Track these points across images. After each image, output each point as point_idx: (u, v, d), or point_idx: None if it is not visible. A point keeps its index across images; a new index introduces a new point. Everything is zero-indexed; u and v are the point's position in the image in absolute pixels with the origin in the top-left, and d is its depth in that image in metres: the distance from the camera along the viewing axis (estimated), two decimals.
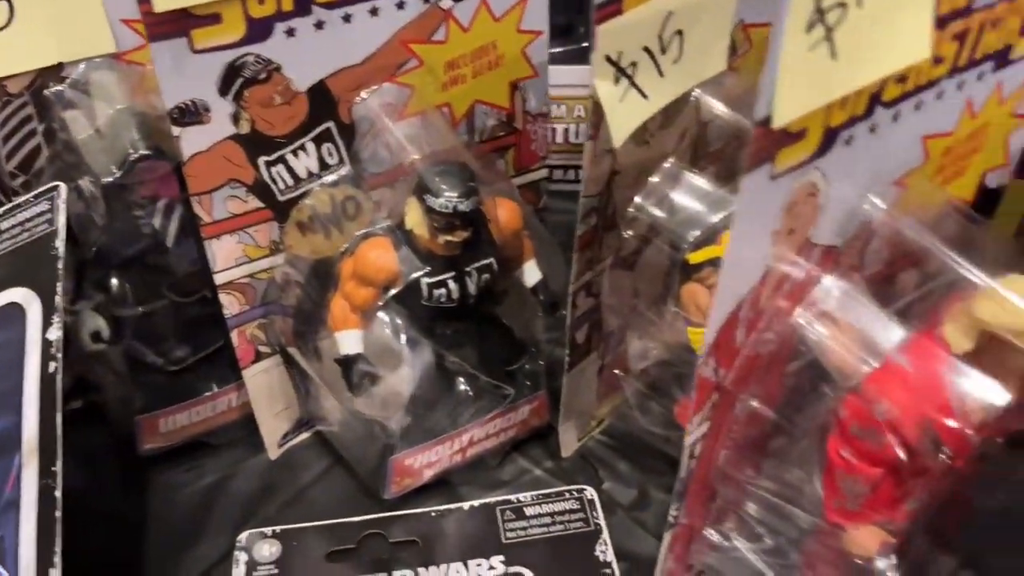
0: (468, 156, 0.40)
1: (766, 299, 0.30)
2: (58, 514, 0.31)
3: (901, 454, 0.30)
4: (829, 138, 0.26)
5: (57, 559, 0.30)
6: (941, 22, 0.27)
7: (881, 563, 0.33)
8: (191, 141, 0.35)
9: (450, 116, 0.41)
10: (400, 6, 0.36)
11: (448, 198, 0.35)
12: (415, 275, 0.37)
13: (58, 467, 0.32)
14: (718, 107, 0.38)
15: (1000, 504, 0.36)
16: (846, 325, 0.32)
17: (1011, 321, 0.27)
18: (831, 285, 0.32)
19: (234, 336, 0.42)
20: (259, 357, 0.43)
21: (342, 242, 0.40)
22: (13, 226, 0.39)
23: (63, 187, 0.38)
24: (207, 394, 0.46)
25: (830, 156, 0.27)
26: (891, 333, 0.31)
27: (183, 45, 0.32)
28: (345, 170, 0.40)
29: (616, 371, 0.46)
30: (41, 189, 0.39)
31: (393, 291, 0.37)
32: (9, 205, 0.39)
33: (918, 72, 0.27)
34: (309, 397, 0.45)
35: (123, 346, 0.42)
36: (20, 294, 0.37)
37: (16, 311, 0.36)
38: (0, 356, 0.36)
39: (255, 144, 0.37)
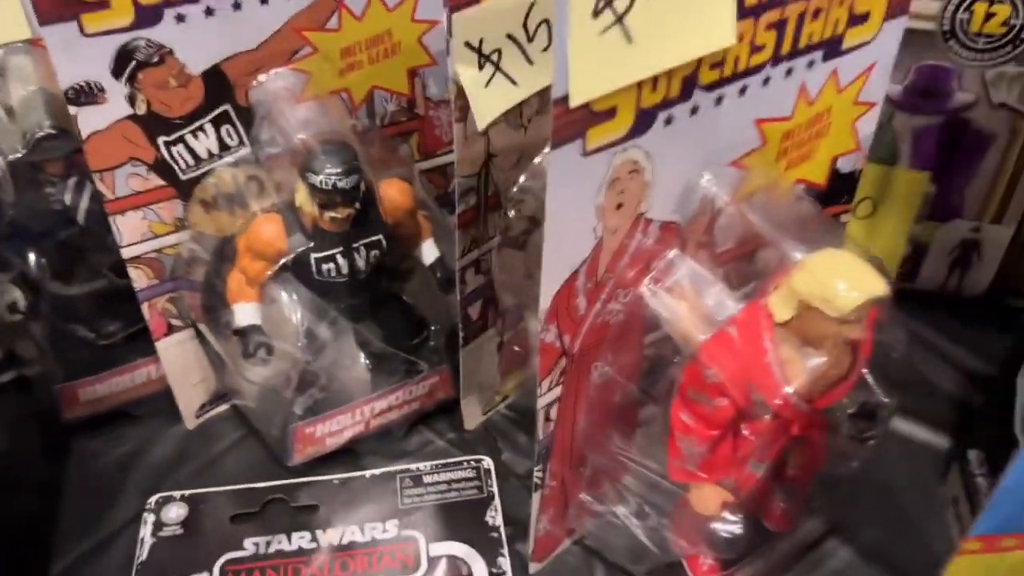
0: (361, 146, 0.42)
1: (605, 269, 0.32)
2: None
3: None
4: (644, 118, 0.28)
5: None
6: (753, 12, 0.29)
7: (723, 523, 0.35)
8: (88, 120, 0.37)
9: (349, 101, 0.43)
10: None
11: (328, 175, 0.37)
12: (300, 249, 0.39)
13: None
14: None
15: (854, 472, 0.38)
16: (690, 297, 0.34)
17: (820, 290, 0.30)
18: (675, 259, 0.34)
19: (145, 309, 0.44)
20: (171, 330, 0.45)
21: (244, 219, 0.42)
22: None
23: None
24: (126, 365, 0.48)
25: (649, 135, 0.29)
26: (726, 303, 0.33)
27: (74, 29, 0.35)
28: (245, 151, 0.42)
29: (515, 347, 0.48)
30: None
31: (283, 260, 0.39)
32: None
33: (736, 58, 0.29)
34: (222, 371, 0.47)
35: (44, 319, 0.45)
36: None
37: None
38: None
39: (153, 124, 0.39)
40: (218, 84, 0.39)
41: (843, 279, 0.29)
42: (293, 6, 0.39)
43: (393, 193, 0.41)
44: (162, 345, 0.45)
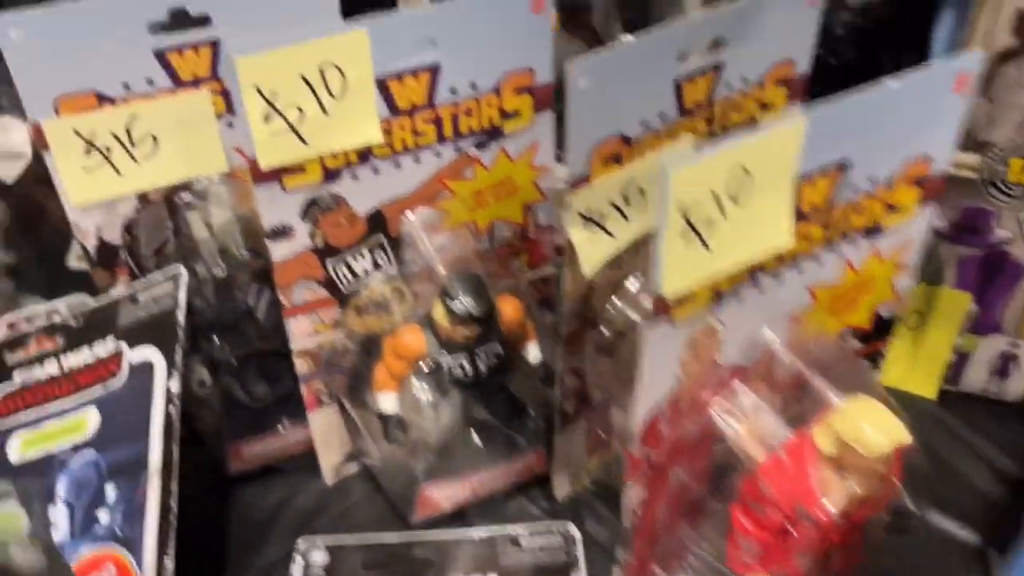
0: (482, 264, 0.52)
1: (685, 400, 0.41)
2: (173, 520, 0.44)
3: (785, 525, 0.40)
4: (718, 298, 0.37)
5: (171, 551, 0.43)
6: (804, 216, 0.37)
7: None
8: (279, 251, 0.48)
9: (475, 229, 0.53)
10: (437, 155, 0.49)
11: (464, 303, 0.47)
12: (435, 355, 0.48)
13: (174, 487, 0.45)
14: None
15: (889, 562, 0.46)
16: (750, 422, 0.42)
17: (854, 433, 0.37)
18: (739, 391, 0.42)
19: (303, 389, 0.54)
20: (321, 404, 0.56)
21: (387, 322, 0.52)
22: (149, 299, 0.52)
23: (184, 272, 0.52)
24: (281, 429, 0.59)
25: (722, 308, 0.38)
26: (781, 431, 0.41)
27: (277, 187, 0.45)
28: (392, 270, 0.52)
29: (601, 433, 0.57)
30: (167, 271, 0.52)
31: (424, 367, 0.49)
32: (144, 281, 0.53)
33: (793, 250, 0.38)
34: (358, 438, 0.58)
35: (220, 389, 0.56)
36: (151, 353, 0.50)
37: (148, 366, 0.50)
38: (136, 399, 0.49)
39: (325, 252, 0.49)
40: (377, 221, 0.49)
41: (872, 426, 0.37)
42: (440, 163, 0.49)
43: (509, 309, 0.50)
44: (313, 416, 0.56)
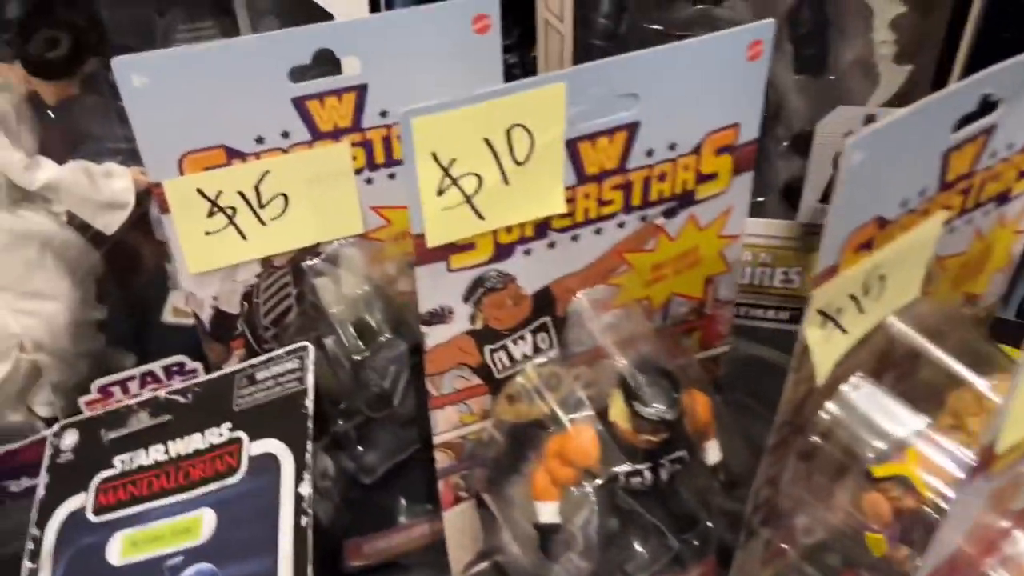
0: (661, 343, 0.44)
1: (962, 555, 0.33)
2: None
3: None
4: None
5: None
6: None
7: None
8: (434, 336, 0.40)
9: (649, 306, 0.45)
10: (621, 225, 0.41)
11: (656, 409, 0.39)
12: (616, 469, 0.41)
13: None
14: (906, 330, 0.41)
15: None
16: None
17: None
18: (1021, 538, 0.34)
19: (440, 484, 0.47)
20: (457, 500, 0.48)
21: (540, 410, 0.45)
22: (267, 378, 0.45)
23: (311, 348, 0.44)
24: (405, 523, 0.51)
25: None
26: None
27: (442, 267, 0.38)
28: (553, 353, 0.44)
29: (782, 544, 0.48)
30: (292, 347, 0.45)
31: (594, 477, 0.41)
32: (264, 358, 0.46)
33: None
34: (492, 534, 0.50)
35: (344, 482, 0.48)
36: (275, 446, 0.43)
37: (272, 462, 0.43)
38: (258, 502, 0.42)
39: (484, 336, 0.42)
40: (544, 301, 0.42)
41: None
42: (622, 234, 0.41)
43: (699, 409, 0.43)
44: (448, 514, 0.49)
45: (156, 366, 0.59)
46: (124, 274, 0.59)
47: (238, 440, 0.44)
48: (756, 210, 0.58)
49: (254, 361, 0.46)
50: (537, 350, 0.44)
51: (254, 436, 0.44)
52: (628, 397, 0.40)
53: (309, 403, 0.43)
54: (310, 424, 0.43)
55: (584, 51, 0.58)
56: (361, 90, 0.42)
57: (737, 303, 0.61)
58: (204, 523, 0.43)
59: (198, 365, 0.60)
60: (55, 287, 0.52)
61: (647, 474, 0.42)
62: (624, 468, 0.41)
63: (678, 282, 0.45)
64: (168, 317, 0.61)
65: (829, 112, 0.55)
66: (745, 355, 0.65)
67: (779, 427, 0.40)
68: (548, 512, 0.43)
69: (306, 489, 0.41)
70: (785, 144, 0.61)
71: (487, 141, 0.35)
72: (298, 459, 0.42)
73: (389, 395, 0.46)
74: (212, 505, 0.43)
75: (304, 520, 0.40)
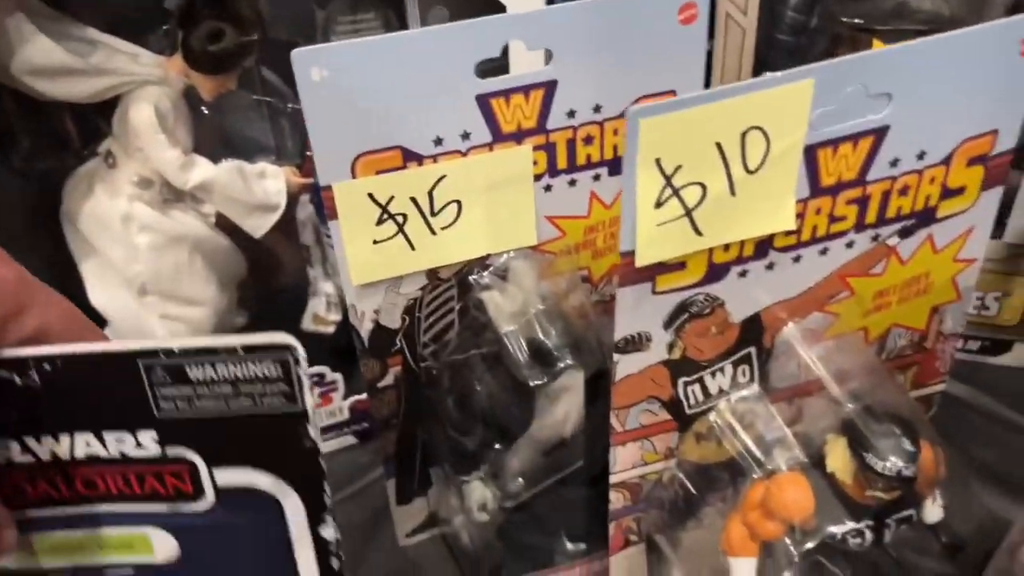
0: (882, 376, 0.38)
1: None
2: None
3: None
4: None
5: None
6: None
7: None
8: (627, 366, 0.36)
9: (864, 337, 0.40)
10: (849, 245, 0.35)
11: (894, 464, 0.33)
12: (835, 529, 0.35)
13: None
14: None
15: None
16: None
17: None
18: None
19: (611, 527, 0.42)
20: (626, 544, 0.44)
21: (731, 450, 0.40)
22: (213, 381, 0.27)
23: (299, 349, 0.26)
24: (563, 563, 0.47)
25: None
26: None
27: (647, 289, 0.33)
28: (753, 388, 0.39)
29: None
30: (261, 342, 0.26)
31: (808, 539, 0.36)
32: (197, 344, 0.26)
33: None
34: None
35: (503, 521, 0.44)
36: (264, 481, 0.29)
37: (259, 499, 0.29)
38: (249, 540, 0.30)
39: (680, 367, 0.37)
40: (752, 329, 0.37)
41: None
42: (849, 255, 0.36)
43: (932, 463, 0.36)
44: (615, 558, 0.44)
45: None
46: (265, 279, 0.57)
47: (183, 460, 0.29)
48: None
49: (175, 345, 0.26)
50: (736, 385, 0.39)
51: (215, 461, 0.29)
52: (856, 446, 0.34)
53: (313, 432, 0.27)
54: (322, 462, 0.28)
55: (767, 46, 0.52)
56: (550, 87, 0.38)
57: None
58: (156, 543, 0.31)
59: (338, 376, 0.57)
60: (202, 292, 0.50)
61: (868, 534, 0.36)
62: (843, 528, 0.36)
63: (901, 311, 0.39)
64: (308, 325, 0.58)
65: None
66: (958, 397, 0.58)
67: None
68: (744, 570, 0.38)
69: (330, 533, 0.30)
70: None
71: (719, 146, 0.30)
72: (311, 502, 0.29)
73: (565, 439, 0.41)
74: (167, 528, 0.31)
75: (336, 563, 0.30)
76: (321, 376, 0.57)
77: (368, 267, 0.40)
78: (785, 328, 0.38)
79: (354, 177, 0.38)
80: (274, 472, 0.27)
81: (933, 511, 0.39)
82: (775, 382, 0.40)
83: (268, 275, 0.57)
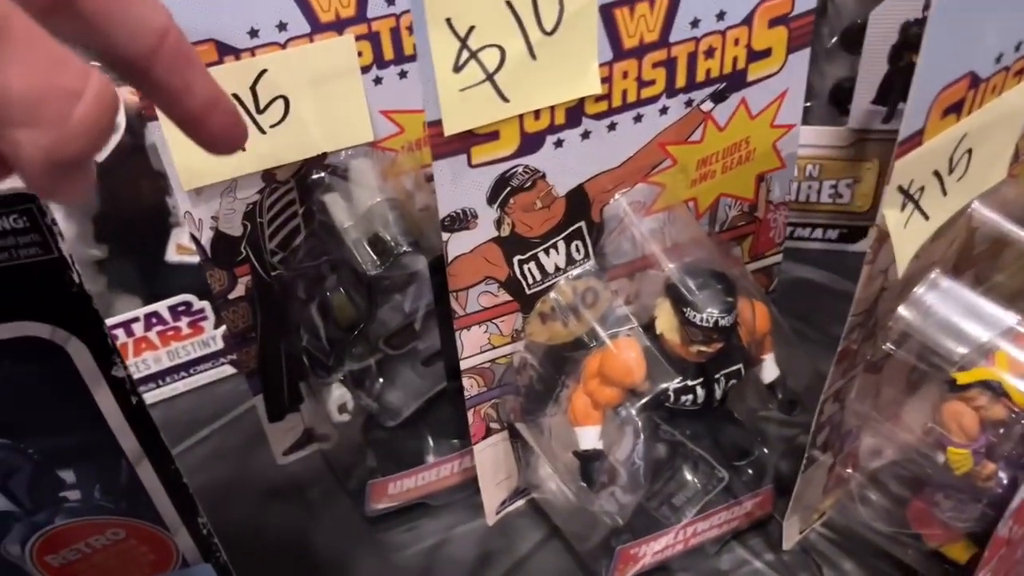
0: (712, 248, 0.40)
1: None
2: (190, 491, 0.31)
3: None
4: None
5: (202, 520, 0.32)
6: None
7: None
8: (457, 245, 0.36)
9: (694, 209, 0.41)
10: (663, 111, 0.36)
11: (710, 314, 0.35)
12: (666, 385, 0.36)
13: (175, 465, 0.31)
14: (991, 215, 0.36)
15: None
16: None
17: None
18: None
19: (470, 415, 0.43)
20: (489, 433, 0.45)
21: (578, 329, 0.41)
22: None
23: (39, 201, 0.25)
24: (433, 460, 0.47)
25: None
26: None
27: (463, 162, 0.34)
28: (589, 264, 0.40)
29: (848, 469, 0.44)
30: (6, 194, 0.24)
31: (640, 396, 0.37)
32: None
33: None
34: (528, 467, 0.46)
35: (366, 417, 0.45)
36: (38, 329, 0.27)
37: (39, 347, 0.27)
38: (33, 387, 0.29)
39: (512, 245, 0.37)
40: (578, 203, 0.37)
41: None
42: (664, 122, 0.36)
43: (757, 319, 0.38)
44: (479, 447, 0.45)
45: (161, 306, 0.56)
46: (122, 210, 0.55)
47: None
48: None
49: None
50: (571, 261, 0.40)
51: None
52: (677, 304, 0.36)
53: (78, 278, 0.27)
54: (96, 306, 0.27)
55: None
56: None
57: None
58: None
59: (205, 304, 0.56)
60: None
61: (700, 391, 0.38)
62: (674, 384, 0.37)
63: (727, 180, 0.40)
64: (172, 256, 0.57)
65: None
66: (792, 277, 0.60)
67: (849, 331, 0.35)
68: (589, 438, 0.39)
69: (121, 372, 0.28)
70: (833, 41, 0.56)
71: (509, 5, 0.30)
72: (94, 345, 0.28)
73: (411, 322, 0.41)
74: None
75: (134, 399, 0.29)
76: (188, 304, 0.56)
77: (197, 170, 0.39)
78: (612, 201, 0.38)
79: None
80: (49, 321, 0.27)
81: (769, 371, 0.41)
82: (612, 258, 0.40)
83: (124, 204, 0.56)
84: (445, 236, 0.36)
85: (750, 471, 0.44)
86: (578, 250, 0.39)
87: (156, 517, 0.33)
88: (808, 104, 0.58)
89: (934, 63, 0.27)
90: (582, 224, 0.38)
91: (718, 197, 0.41)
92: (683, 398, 0.38)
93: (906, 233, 0.32)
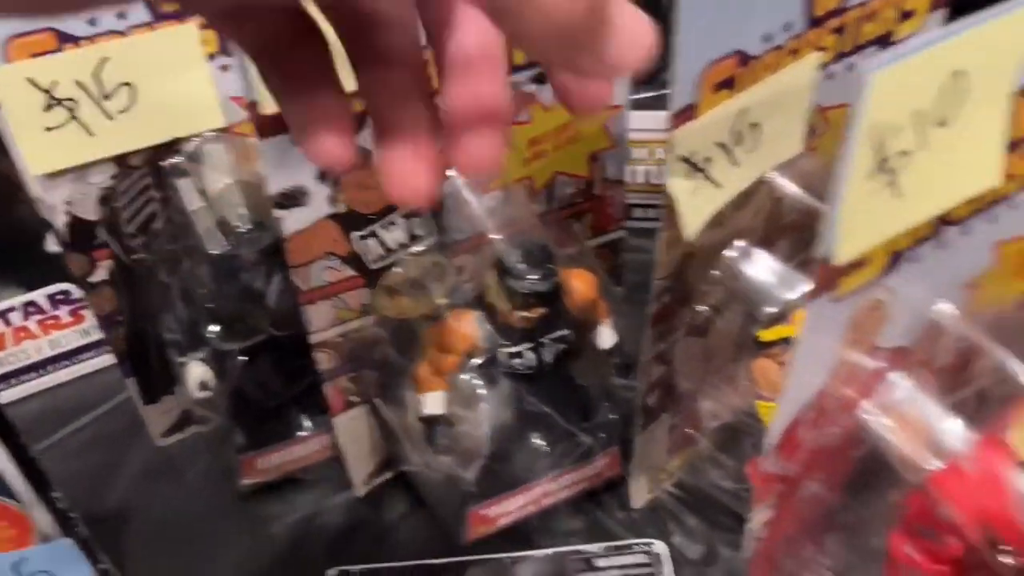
0: (543, 229, 0.42)
1: (830, 398, 0.31)
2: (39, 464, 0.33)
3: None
4: (894, 260, 0.27)
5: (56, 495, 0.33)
6: (1013, 146, 0.27)
7: None
8: (292, 221, 0.38)
9: (531, 187, 0.43)
10: None
11: (528, 280, 0.37)
12: (492, 346, 0.39)
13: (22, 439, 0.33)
14: (791, 187, 0.39)
15: None
16: (911, 420, 0.32)
17: None
18: (898, 380, 0.32)
19: (326, 388, 0.45)
20: (349, 406, 0.46)
21: (426, 303, 0.43)
22: None
23: None
24: (302, 435, 0.49)
25: (895, 275, 0.28)
26: (955, 430, 0.31)
27: (287, 140, 0.35)
28: (432, 240, 0.42)
29: (687, 429, 0.47)
30: None
31: (476, 360, 0.39)
32: None
33: (991, 193, 0.28)
34: (394, 442, 0.48)
35: (228, 391, 0.46)
36: None
37: None
38: None
39: (349, 221, 0.39)
40: None
41: None
42: None
43: (580, 286, 0.41)
44: (339, 420, 0.46)
45: (39, 295, 0.56)
46: None
47: None
48: (649, 103, 0.55)
49: None
50: (414, 238, 0.42)
51: None
52: (500, 273, 0.38)
53: None
54: None
55: None
56: None
57: (633, 204, 0.59)
58: None
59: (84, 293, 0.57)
60: None
61: (529, 354, 0.40)
62: (507, 349, 0.40)
63: (560, 159, 0.43)
64: (52, 246, 0.58)
65: None
66: (644, 260, 0.63)
67: (658, 294, 0.38)
68: (433, 403, 0.41)
69: None
70: None
71: None
72: None
73: (261, 295, 0.43)
74: None
75: None
76: (67, 293, 0.57)
77: (46, 156, 0.41)
78: (447, 179, 0.41)
79: (9, 62, 0.38)
80: None
81: (606, 337, 0.44)
82: (453, 234, 0.43)
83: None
84: (279, 213, 0.37)
85: (600, 433, 0.47)
86: (420, 227, 0.41)
87: (8, 492, 0.34)
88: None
89: (695, 40, 0.30)
90: None
91: (554, 175, 0.43)
92: (514, 362, 0.40)
93: (695, 200, 0.34)
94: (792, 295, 0.39)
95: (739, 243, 0.40)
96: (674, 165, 0.33)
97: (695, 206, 0.35)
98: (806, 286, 0.39)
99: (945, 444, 0.31)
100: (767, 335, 0.38)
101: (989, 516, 0.30)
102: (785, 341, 0.38)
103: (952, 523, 0.30)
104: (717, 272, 0.40)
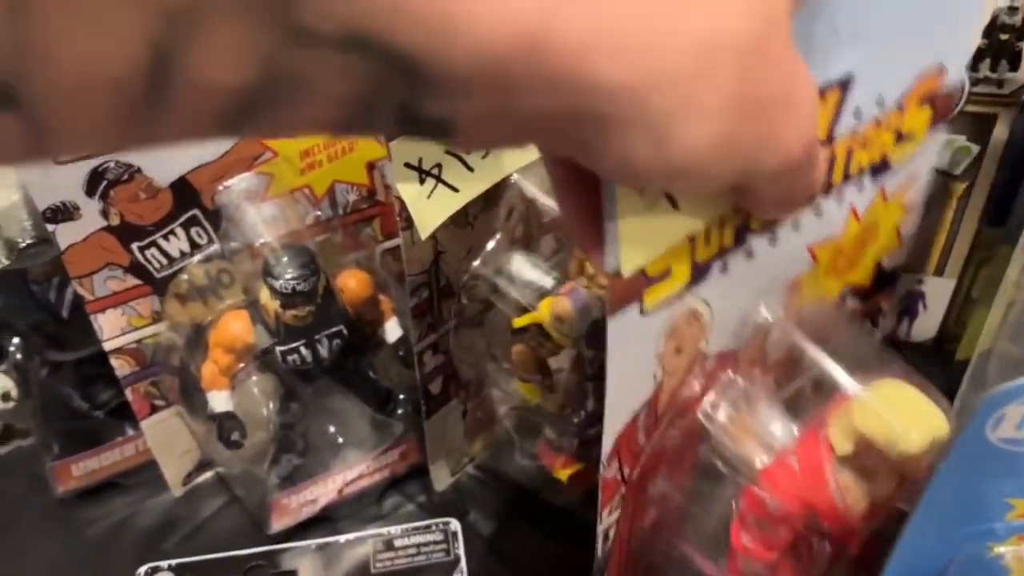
0: (321, 235, 0.45)
1: (665, 403, 0.32)
2: None
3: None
4: (699, 271, 0.28)
5: None
6: None
7: None
8: (66, 234, 0.40)
9: (312, 196, 0.46)
10: None
11: (287, 280, 0.40)
12: (264, 346, 0.42)
13: None
14: (535, 191, 0.43)
15: None
16: (745, 419, 0.35)
17: (882, 432, 0.30)
18: (728, 382, 0.34)
19: (128, 393, 0.47)
20: (155, 409, 0.49)
21: (215, 310, 0.45)
22: None
23: None
24: (117, 440, 0.51)
25: (706, 285, 0.29)
26: (784, 427, 0.34)
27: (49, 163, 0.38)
28: (215, 247, 0.45)
29: (479, 414, 0.51)
30: None
31: (252, 358, 0.42)
32: None
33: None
34: (206, 443, 0.50)
35: (36, 403, 0.48)
36: None
37: None
38: None
39: (126, 233, 0.42)
40: (185, 193, 0.42)
41: (905, 421, 0.29)
42: None
43: (352, 284, 0.44)
44: (146, 424, 0.49)
45: None
46: None
47: None
48: None
49: None
50: (195, 246, 0.44)
51: None
52: (266, 275, 0.41)
53: None
54: None
55: None
56: None
57: None
58: None
59: None
60: None
61: (304, 350, 0.43)
62: (279, 347, 0.42)
63: (336, 168, 0.46)
64: None
65: None
66: None
67: (414, 289, 0.41)
68: (220, 400, 0.44)
69: None
70: None
71: None
72: None
73: (53, 307, 0.45)
74: None
75: None
76: None
77: None
78: (220, 190, 0.43)
79: None
80: None
81: (392, 332, 0.47)
82: (233, 242, 0.45)
83: None
84: (51, 227, 0.40)
85: (396, 422, 0.50)
86: (200, 235, 0.44)
87: None
88: None
89: None
90: (196, 212, 0.43)
91: (332, 183, 0.46)
92: (290, 358, 0.43)
93: (431, 204, 0.38)
94: (547, 285, 0.43)
95: (496, 239, 0.43)
96: (400, 171, 0.36)
97: (428, 210, 0.38)
98: (558, 280, 0.43)
99: (773, 441, 0.34)
100: (519, 322, 0.42)
101: (812, 502, 0.32)
102: (537, 327, 0.42)
103: (781, 514, 0.33)
104: (479, 267, 0.44)
